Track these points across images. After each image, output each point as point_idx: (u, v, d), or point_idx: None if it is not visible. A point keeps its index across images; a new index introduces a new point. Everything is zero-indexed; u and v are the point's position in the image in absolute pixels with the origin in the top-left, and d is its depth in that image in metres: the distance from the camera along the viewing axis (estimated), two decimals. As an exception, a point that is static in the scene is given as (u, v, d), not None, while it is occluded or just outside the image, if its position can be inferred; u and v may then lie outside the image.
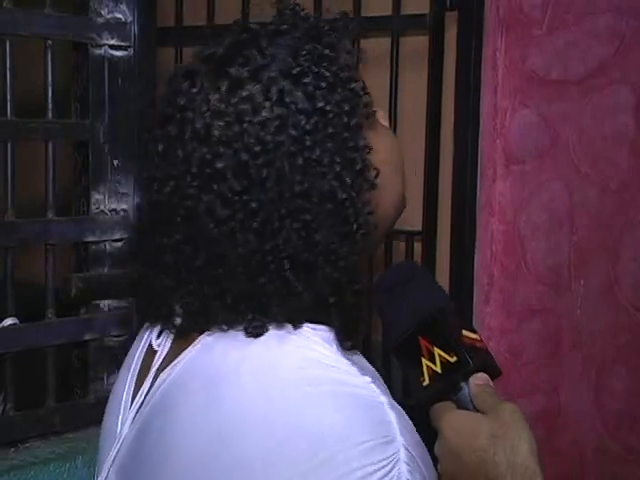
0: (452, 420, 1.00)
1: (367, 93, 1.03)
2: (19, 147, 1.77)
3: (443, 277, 2.02)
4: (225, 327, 0.99)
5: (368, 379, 0.96)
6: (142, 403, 1.05)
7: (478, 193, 1.94)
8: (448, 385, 1.03)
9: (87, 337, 1.88)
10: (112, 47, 1.88)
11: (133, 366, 1.11)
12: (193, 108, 0.97)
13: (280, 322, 0.97)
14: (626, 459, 1.87)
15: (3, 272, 1.76)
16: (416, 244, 2.14)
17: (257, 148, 0.93)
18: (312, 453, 0.90)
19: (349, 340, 0.99)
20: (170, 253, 0.99)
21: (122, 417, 1.07)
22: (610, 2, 1.82)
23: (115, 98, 1.89)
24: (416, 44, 2.14)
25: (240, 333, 0.98)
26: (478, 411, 1.00)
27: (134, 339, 1.19)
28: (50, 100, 1.78)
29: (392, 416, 0.94)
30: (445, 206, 2.01)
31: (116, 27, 1.87)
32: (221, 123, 0.95)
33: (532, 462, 0.95)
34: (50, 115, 1.79)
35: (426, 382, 1.04)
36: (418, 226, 2.05)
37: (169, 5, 2.34)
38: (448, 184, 2.00)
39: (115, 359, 1.91)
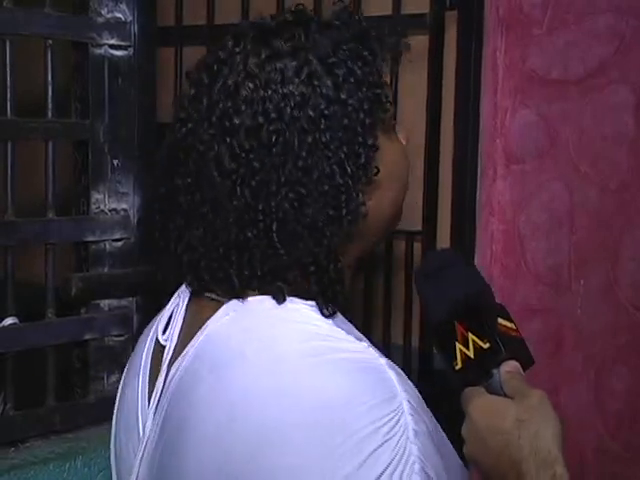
0: (480, 403, 1.04)
1: (389, 102, 1.08)
2: (19, 147, 1.77)
3: (443, 277, 2.02)
4: (216, 285, 1.05)
5: (365, 344, 1.02)
6: (159, 399, 1.08)
7: (478, 193, 1.94)
8: (479, 371, 1.06)
9: (87, 337, 1.88)
10: (112, 47, 1.88)
11: (143, 365, 1.14)
12: (231, 64, 1.04)
13: (267, 283, 1.03)
14: (626, 459, 1.87)
15: (3, 272, 1.76)
16: (416, 244, 2.13)
17: (274, 115, 1.00)
18: (320, 418, 0.94)
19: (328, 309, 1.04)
20: (183, 195, 1.06)
21: (142, 417, 1.11)
22: (610, 2, 1.82)
23: (115, 98, 1.89)
24: (416, 44, 2.14)
25: (241, 317, 1.03)
26: (507, 397, 1.03)
27: (137, 340, 1.22)
28: (50, 100, 1.79)
29: (392, 374, 0.99)
30: (445, 206, 2.01)
31: (116, 27, 1.87)
32: (250, 85, 1.02)
33: (555, 448, 0.98)
34: (50, 115, 1.79)
35: (459, 366, 1.08)
36: (418, 226, 2.05)
37: (169, 5, 2.34)
38: (448, 184, 2.00)
39: (115, 359, 1.91)
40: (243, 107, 1.01)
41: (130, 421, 1.13)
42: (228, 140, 1.01)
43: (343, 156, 1.02)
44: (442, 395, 2.00)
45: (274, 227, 1.00)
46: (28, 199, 1.87)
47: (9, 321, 1.76)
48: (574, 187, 1.88)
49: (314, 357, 0.98)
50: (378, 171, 1.05)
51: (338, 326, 1.03)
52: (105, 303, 1.91)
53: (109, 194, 1.90)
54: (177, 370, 1.06)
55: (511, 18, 1.88)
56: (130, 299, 1.93)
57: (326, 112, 1.01)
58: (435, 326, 1.11)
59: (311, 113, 1.01)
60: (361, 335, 1.06)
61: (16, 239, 1.75)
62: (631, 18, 1.81)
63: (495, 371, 1.06)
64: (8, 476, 1.67)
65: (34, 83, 1.81)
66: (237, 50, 1.05)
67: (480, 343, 1.06)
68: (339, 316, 1.05)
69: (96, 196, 1.90)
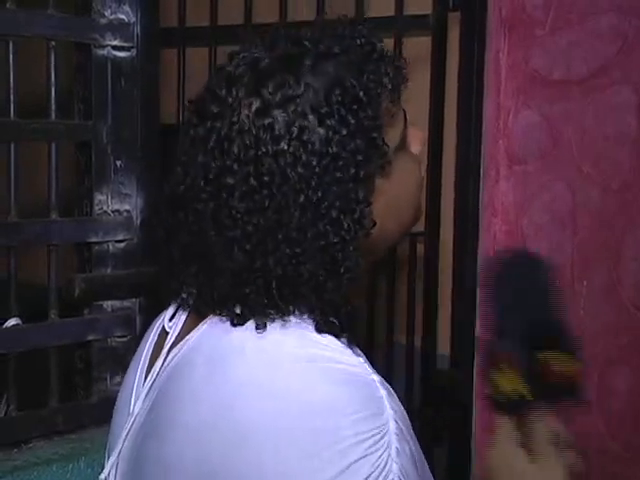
0: (501, 454, 1.07)
1: (387, 145, 1.05)
2: (22, 148, 1.77)
3: (446, 278, 2.02)
4: (215, 313, 1.05)
5: (361, 359, 1.01)
6: (154, 381, 1.09)
7: (481, 193, 1.94)
8: (512, 408, 1.06)
9: (90, 338, 1.88)
10: (115, 48, 1.88)
11: (146, 348, 1.16)
12: (223, 118, 1.02)
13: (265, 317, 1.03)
14: (627, 459, 1.87)
15: (6, 273, 1.76)
16: (419, 244, 2.14)
17: (266, 178, 0.99)
18: (305, 421, 0.95)
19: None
20: (184, 233, 1.06)
21: (135, 395, 1.12)
22: (612, 2, 1.82)
23: (118, 99, 1.89)
24: (419, 45, 2.14)
25: None
26: (531, 451, 1.05)
27: (140, 338, 1.23)
28: (53, 101, 1.79)
29: (383, 392, 0.98)
30: (448, 206, 2.01)
31: (119, 28, 1.88)
32: (242, 142, 1.00)
33: None
34: (53, 116, 1.79)
35: (495, 393, 1.07)
36: (421, 227, 2.05)
37: (172, 6, 2.34)
38: (451, 184, 2.00)
39: (118, 360, 1.91)
40: (235, 166, 1.00)
41: (124, 400, 1.15)
42: (224, 199, 1.00)
43: (336, 214, 1.00)
44: (443, 395, 2.01)
45: (274, 284, 1.00)
46: (31, 200, 1.88)
47: (12, 322, 1.76)
48: (576, 187, 1.88)
49: (308, 363, 0.99)
50: (374, 224, 1.03)
51: (339, 340, 1.03)
52: (108, 304, 1.91)
53: (112, 195, 1.91)
54: (175, 356, 1.07)
55: (514, 19, 1.88)
56: (133, 300, 1.93)
57: (317, 169, 0.99)
58: (490, 348, 1.09)
59: (302, 171, 0.99)
60: (360, 353, 1.07)
61: (19, 240, 1.75)
62: (634, 18, 1.81)
63: (529, 412, 1.05)
64: (11, 477, 1.67)
65: (36, 84, 1.82)
66: (230, 101, 1.02)
67: (520, 385, 1.05)
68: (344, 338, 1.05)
69: (99, 197, 1.90)
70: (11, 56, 1.73)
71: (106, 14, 1.87)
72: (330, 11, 2.13)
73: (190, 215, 1.04)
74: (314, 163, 0.99)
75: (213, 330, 1.05)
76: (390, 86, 1.08)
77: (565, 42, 1.86)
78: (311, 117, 1.00)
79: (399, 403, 1.01)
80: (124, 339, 1.93)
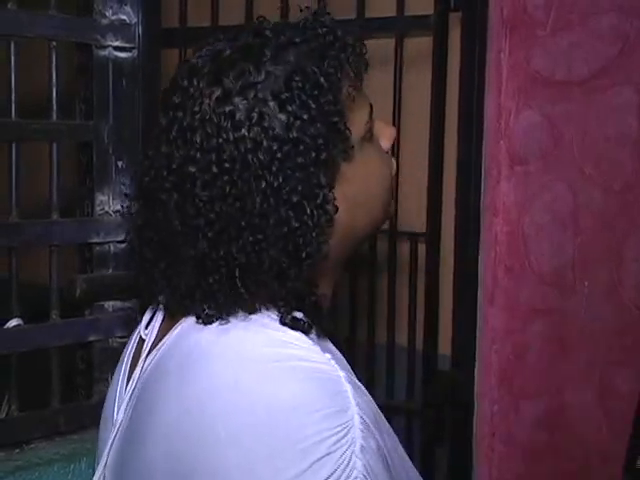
0: None
1: (348, 129, 1.05)
2: (23, 148, 1.77)
3: (447, 279, 2.02)
4: (184, 312, 1.07)
5: (328, 356, 1.02)
6: (133, 389, 1.11)
7: (482, 194, 1.94)
8: None
9: (91, 338, 1.88)
10: (116, 48, 1.88)
11: (126, 358, 1.19)
12: (184, 108, 1.04)
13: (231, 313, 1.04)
14: (630, 460, 1.87)
15: (8, 273, 1.76)
16: (420, 245, 2.14)
17: (227, 165, 1.00)
18: (270, 421, 0.96)
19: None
20: (151, 230, 1.08)
21: (117, 405, 1.14)
22: (613, 2, 1.82)
23: (119, 99, 1.89)
24: (420, 45, 2.14)
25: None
26: None
27: None
28: (54, 101, 1.79)
29: (348, 387, 0.99)
30: (449, 207, 2.01)
31: (120, 28, 1.88)
32: (204, 131, 1.01)
33: None
34: (54, 116, 1.79)
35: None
36: (422, 227, 2.05)
37: (173, 6, 2.34)
38: (452, 185, 2.00)
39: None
40: (198, 155, 1.01)
41: (108, 410, 1.17)
42: (188, 188, 1.02)
43: (298, 198, 1.01)
44: (444, 396, 2.01)
45: (237, 273, 1.01)
46: (32, 200, 1.88)
47: (13, 322, 1.76)
48: (578, 188, 1.88)
49: (276, 362, 0.99)
50: (337, 209, 1.04)
51: (307, 336, 1.04)
52: (109, 304, 1.91)
53: (113, 196, 1.91)
54: (150, 363, 1.09)
55: (515, 19, 1.88)
56: (134, 300, 1.93)
57: (278, 154, 1.00)
58: None
59: (263, 157, 1.00)
60: (333, 349, 1.08)
61: (20, 240, 1.75)
62: (635, 19, 1.81)
63: None
64: (13, 477, 1.67)
65: (38, 84, 1.82)
66: (191, 91, 1.04)
67: None
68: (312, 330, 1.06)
69: (100, 197, 1.90)
70: (13, 56, 1.73)
71: (107, 15, 1.87)
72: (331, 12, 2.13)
73: (156, 207, 1.05)
74: (275, 148, 1.00)
75: (183, 334, 1.07)
76: (351, 72, 1.09)
77: (566, 43, 1.86)
78: (272, 103, 1.01)
79: (368, 399, 1.02)
80: (125, 339, 1.91)
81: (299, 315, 1.05)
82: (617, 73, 1.83)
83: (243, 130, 1.00)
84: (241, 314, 1.04)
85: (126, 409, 1.12)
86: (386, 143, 1.16)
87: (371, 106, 1.13)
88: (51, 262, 1.81)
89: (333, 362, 1.01)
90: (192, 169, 1.01)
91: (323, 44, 1.07)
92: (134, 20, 1.89)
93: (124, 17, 1.89)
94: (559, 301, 1.91)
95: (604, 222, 1.86)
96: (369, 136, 1.12)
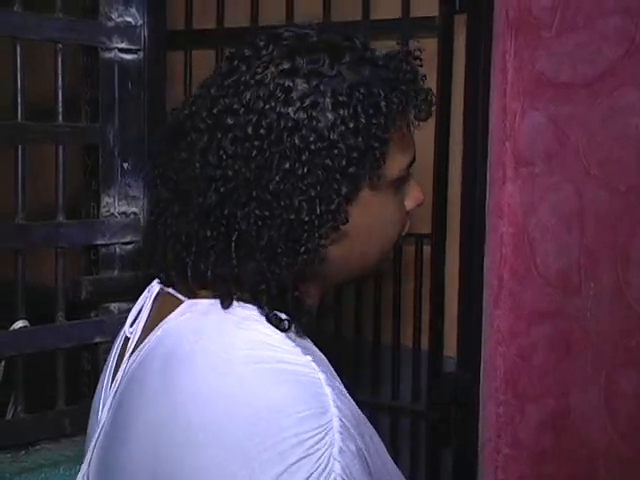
0: None
1: (383, 161, 1.06)
2: (29, 150, 1.78)
3: (452, 280, 2.02)
4: (173, 275, 1.09)
5: (309, 358, 1.01)
6: (117, 389, 1.12)
7: (487, 196, 1.94)
8: None
9: (97, 340, 1.89)
10: (122, 50, 1.89)
11: (112, 357, 1.19)
12: (249, 64, 1.06)
13: (219, 284, 1.04)
14: (637, 462, 1.86)
15: (14, 275, 1.77)
16: (425, 247, 2.14)
17: (262, 132, 1.02)
18: (250, 424, 0.95)
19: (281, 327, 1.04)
20: (172, 169, 1.09)
21: (102, 405, 1.15)
22: (619, 4, 1.82)
23: (125, 101, 1.90)
24: (425, 47, 2.13)
25: (194, 318, 1.05)
26: None
27: None
28: (60, 103, 1.79)
29: (328, 390, 0.98)
30: (454, 209, 2.01)
31: (126, 31, 1.88)
32: (255, 91, 1.03)
33: None
34: (60, 118, 1.80)
35: None
36: (427, 229, 2.05)
37: (179, 8, 2.35)
38: (457, 187, 2.00)
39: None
40: (241, 111, 1.03)
41: (95, 410, 1.18)
42: (218, 138, 1.03)
43: (314, 194, 1.01)
44: (450, 399, 2.01)
45: (234, 237, 1.02)
46: (38, 203, 1.88)
47: (20, 324, 1.77)
48: (583, 190, 1.88)
49: (256, 364, 0.99)
50: (346, 222, 1.04)
51: (289, 338, 1.03)
52: (115, 306, 1.92)
53: (119, 197, 1.91)
54: (133, 362, 1.09)
55: (520, 21, 1.88)
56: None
57: (312, 147, 1.01)
58: None
59: (297, 141, 1.01)
60: (313, 349, 1.07)
61: (26, 242, 1.75)
62: (640, 20, 1.81)
63: None
64: (19, 478, 1.67)
65: (44, 87, 1.82)
66: (263, 53, 1.06)
67: None
68: (292, 329, 1.05)
69: (106, 199, 1.90)
70: (19, 59, 1.73)
71: (113, 17, 1.87)
72: (337, 14, 2.13)
73: (183, 145, 1.07)
74: (311, 139, 1.01)
75: (166, 335, 1.06)
76: (412, 115, 1.11)
77: (572, 44, 1.86)
78: (328, 99, 1.03)
79: (348, 401, 1.02)
80: (131, 341, 1.93)
81: (283, 316, 1.05)
82: (622, 75, 1.83)
83: (291, 108, 1.02)
84: (224, 304, 1.04)
85: (109, 409, 1.12)
86: (411, 204, 1.16)
87: (414, 159, 1.13)
88: (57, 264, 1.81)
89: (314, 364, 1.01)
90: (230, 121, 1.03)
91: (400, 79, 1.08)
92: (140, 22, 1.90)
93: (130, 19, 1.89)
94: (565, 303, 1.90)
95: (610, 223, 1.86)
96: (398, 184, 1.12)
